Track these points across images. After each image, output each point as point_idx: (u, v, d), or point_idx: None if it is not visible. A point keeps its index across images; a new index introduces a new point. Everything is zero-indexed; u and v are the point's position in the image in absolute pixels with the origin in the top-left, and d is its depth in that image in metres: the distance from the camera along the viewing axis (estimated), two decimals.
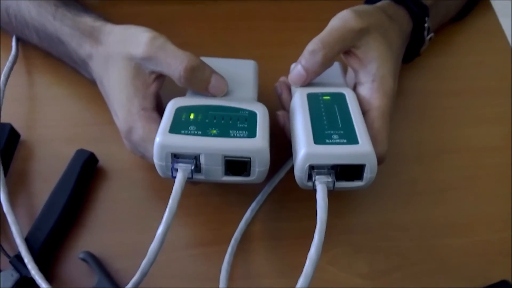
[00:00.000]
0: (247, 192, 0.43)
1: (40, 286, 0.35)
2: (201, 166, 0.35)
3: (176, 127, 0.35)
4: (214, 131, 0.35)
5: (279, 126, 0.41)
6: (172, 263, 0.39)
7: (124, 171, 0.44)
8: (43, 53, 0.49)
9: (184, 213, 0.41)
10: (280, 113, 0.41)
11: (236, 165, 0.35)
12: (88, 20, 0.44)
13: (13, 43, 0.50)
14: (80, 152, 0.43)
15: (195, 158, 0.35)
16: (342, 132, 0.36)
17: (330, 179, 0.34)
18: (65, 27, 0.44)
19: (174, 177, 0.35)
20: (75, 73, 0.47)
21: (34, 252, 0.37)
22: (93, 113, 0.47)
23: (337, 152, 0.34)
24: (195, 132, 0.35)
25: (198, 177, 0.36)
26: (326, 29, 0.40)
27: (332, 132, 0.36)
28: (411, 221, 0.43)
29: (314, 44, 0.39)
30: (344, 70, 0.46)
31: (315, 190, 0.34)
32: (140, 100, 0.39)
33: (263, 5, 0.58)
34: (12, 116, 0.45)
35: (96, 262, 0.38)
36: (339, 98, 0.39)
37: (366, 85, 0.41)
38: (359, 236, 0.42)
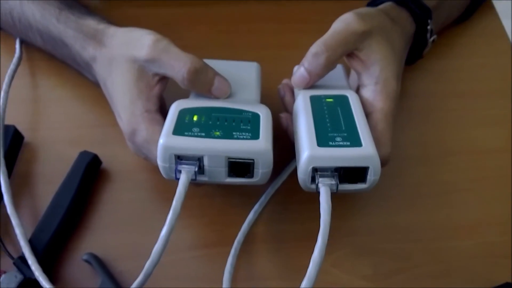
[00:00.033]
0: (250, 194, 0.43)
1: None
2: (205, 167, 0.35)
3: (180, 129, 0.35)
4: (218, 133, 0.35)
5: (282, 128, 0.41)
6: (175, 264, 0.39)
7: (127, 172, 0.44)
8: (47, 55, 0.49)
9: (188, 214, 0.41)
10: (283, 115, 0.42)
11: (240, 166, 0.35)
12: (91, 23, 0.44)
13: (17, 46, 0.50)
14: (83, 154, 0.43)
15: (199, 160, 0.35)
16: (345, 134, 0.36)
17: (333, 182, 0.34)
18: (68, 29, 0.44)
19: (178, 179, 0.35)
20: (79, 75, 0.48)
21: (38, 254, 0.37)
22: (96, 115, 0.48)
23: (341, 155, 0.34)
24: (199, 133, 0.35)
25: (202, 178, 0.36)
26: (329, 32, 0.40)
27: (335, 134, 0.36)
28: (414, 223, 0.43)
29: (317, 47, 0.40)
30: (347, 73, 0.46)
31: (318, 193, 0.34)
32: (143, 102, 0.39)
33: (266, 7, 0.58)
34: (16, 118, 0.46)
35: (99, 263, 0.38)
36: (342, 101, 0.39)
37: (369, 88, 0.41)
38: (362, 238, 0.42)
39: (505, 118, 0.51)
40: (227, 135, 0.35)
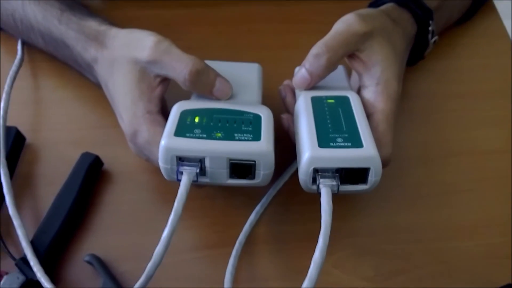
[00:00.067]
0: (252, 195, 0.43)
1: None
2: (206, 169, 0.35)
3: (181, 130, 0.35)
4: (219, 134, 0.35)
5: (284, 129, 0.41)
6: (177, 265, 0.39)
7: (129, 174, 0.44)
8: (49, 56, 0.49)
9: (189, 215, 0.41)
10: (285, 116, 0.42)
11: (241, 168, 0.35)
12: (93, 24, 0.44)
13: (19, 47, 0.51)
14: (85, 155, 0.43)
15: (200, 161, 0.35)
16: (346, 135, 0.36)
17: (334, 183, 0.34)
18: (70, 31, 0.44)
19: (179, 180, 0.35)
20: (80, 76, 0.48)
21: (39, 255, 0.37)
22: (98, 116, 0.48)
23: (342, 156, 0.34)
24: (200, 135, 0.35)
25: (203, 180, 0.36)
26: (330, 33, 0.40)
27: (336, 135, 0.36)
28: (415, 224, 0.43)
29: (318, 48, 0.40)
30: (348, 74, 0.46)
31: (319, 194, 0.34)
32: (145, 103, 0.39)
33: (267, 8, 0.58)
34: (18, 119, 0.46)
35: (101, 264, 0.38)
36: (344, 102, 0.39)
37: (370, 88, 0.41)
38: (363, 239, 0.42)
39: (506, 119, 0.51)
40: (229, 137, 0.35)
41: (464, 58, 0.56)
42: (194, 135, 0.35)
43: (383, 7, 0.46)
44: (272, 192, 0.43)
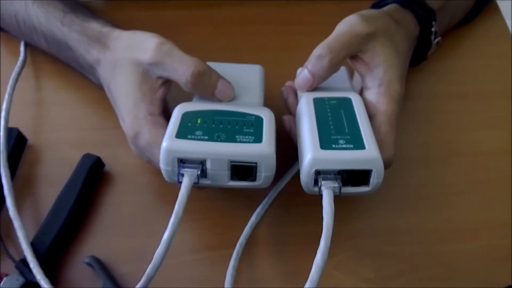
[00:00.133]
0: (253, 197, 0.43)
1: None
2: (207, 171, 0.35)
3: (183, 132, 0.35)
4: (221, 136, 0.35)
5: (285, 131, 0.41)
6: (177, 267, 0.39)
7: (130, 175, 0.44)
8: (51, 58, 0.49)
9: (190, 217, 0.41)
10: (286, 117, 0.41)
11: (242, 170, 0.35)
12: (95, 26, 0.44)
13: (22, 48, 0.51)
14: (86, 156, 0.43)
15: (201, 163, 0.35)
16: (348, 137, 0.35)
17: (336, 185, 0.34)
18: (73, 32, 0.44)
19: (180, 182, 0.35)
20: (83, 78, 0.48)
21: (39, 257, 0.37)
22: (100, 117, 0.48)
23: (344, 157, 0.34)
24: (202, 137, 0.35)
25: (204, 182, 0.36)
26: (333, 34, 0.40)
27: (338, 137, 0.35)
28: (417, 226, 0.43)
29: (320, 49, 0.39)
30: (351, 75, 0.46)
31: (321, 195, 0.34)
32: (147, 105, 0.39)
33: (269, 9, 0.58)
34: (20, 120, 0.46)
35: (101, 266, 0.38)
36: (346, 103, 0.39)
37: (372, 90, 0.41)
38: (365, 241, 0.42)
39: (507, 120, 0.51)
40: (230, 139, 0.35)
41: (466, 59, 0.56)
42: (195, 137, 0.35)
43: (385, 8, 0.46)
44: (273, 194, 0.43)
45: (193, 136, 0.35)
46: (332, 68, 0.40)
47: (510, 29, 0.59)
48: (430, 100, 0.52)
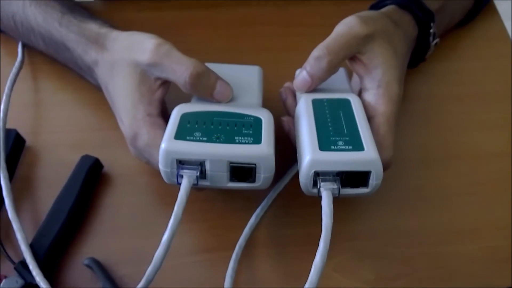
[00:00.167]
0: (252, 198, 0.43)
1: None
2: (206, 172, 0.35)
3: (182, 134, 0.35)
4: (220, 137, 0.35)
5: (284, 132, 0.41)
6: (176, 269, 0.39)
7: (129, 176, 0.44)
8: (49, 59, 0.49)
9: (189, 219, 0.41)
10: (285, 118, 0.41)
11: (241, 171, 0.35)
12: (93, 27, 0.44)
13: (19, 49, 0.51)
14: (85, 158, 0.43)
15: (200, 165, 0.35)
16: (347, 138, 0.35)
17: (335, 186, 0.34)
18: (71, 33, 0.44)
19: (179, 184, 0.35)
20: (81, 79, 0.48)
21: (38, 259, 0.37)
22: (98, 118, 0.48)
23: (343, 159, 0.34)
24: (201, 138, 0.35)
25: (203, 183, 0.36)
26: (331, 35, 0.40)
27: (337, 138, 0.35)
28: (416, 227, 0.43)
29: (319, 50, 0.39)
30: (349, 76, 0.46)
31: (320, 197, 0.34)
32: (145, 106, 0.39)
33: (267, 11, 0.58)
34: (18, 121, 0.46)
35: (100, 268, 0.38)
36: (344, 104, 0.39)
37: (371, 91, 0.41)
38: (364, 243, 0.42)
39: (506, 121, 0.51)
40: (229, 140, 0.35)
41: (465, 60, 0.56)
42: (194, 138, 0.35)
43: (384, 9, 0.46)
44: (272, 195, 0.43)
45: (192, 137, 0.35)
46: (331, 70, 0.40)
47: (508, 30, 0.59)
48: (429, 102, 0.52)
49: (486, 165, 0.48)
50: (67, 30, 0.44)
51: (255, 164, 0.35)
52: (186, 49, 0.39)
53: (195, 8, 0.57)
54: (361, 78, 0.42)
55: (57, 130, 0.47)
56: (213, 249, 0.41)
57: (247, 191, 0.38)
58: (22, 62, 0.50)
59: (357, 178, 0.35)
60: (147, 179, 0.44)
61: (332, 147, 0.35)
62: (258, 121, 0.37)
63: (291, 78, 0.43)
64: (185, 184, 0.34)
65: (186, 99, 0.40)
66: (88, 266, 0.38)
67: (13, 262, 0.38)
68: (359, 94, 0.42)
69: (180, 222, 0.33)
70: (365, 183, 0.35)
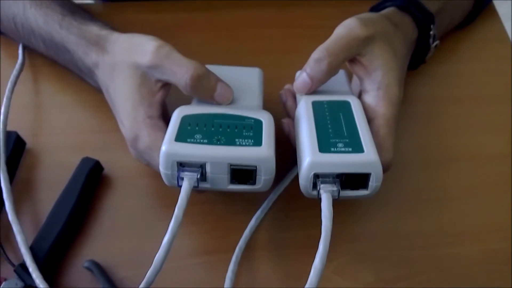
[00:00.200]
0: (252, 200, 0.43)
1: None
2: (207, 174, 0.35)
3: (182, 136, 0.35)
4: (220, 140, 0.35)
5: (284, 134, 0.41)
6: (177, 271, 0.39)
7: (129, 179, 0.44)
8: (50, 61, 0.49)
9: (189, 221, 0.41)
10: (285, 120, 0.41)
11: (242, 173, 0.35)
12: (94, 29, 0.44)
13: (20, 51, 0.51)
14: (85, 160, 0.43)
15: (201, 167, 0.35)
16: (347, 140, 0.35)
17: (335, 188, 0.34)
18: (71, 35, 0.44)
19: (180, 186, 0.35)
20: (81, 81, 0.48)
21: (38, 261, 0.37)
22: (98, 121, 0.48)
23: (342, 161, 0.34)
24: (201, 140, 0.35)
25: (204, 185, 0.36)
26: (331, 37, 0.40)
27: (337, 140, 0.35)
28: (416, 230, 0.43)
29: (319, 52, 0.39)
30: (349, 78, 0.46)
31: (320, 199, 0.34)
32: (146, 108, 0.39)
33: (268, 13, 0.58)
34: (18, 124, 0.46)
35: (100, 271, 0.38)
36: (344, 106, 0.39)
37: (371, 93, 0.41)
38: (364, 245, 0.42)
39: (506, 123, 0.51)
40: (230, 142, 0.35)
41: (465, 62, 0.56)
42: (195, 141, 0.35)
43: (384, 11, 0.46)
44: (272, 197, 0.43)
45: (192, 140, 0.35)
46: (331, 72, 0.40)
47: (508, 32, 0.59)
48: (429, 103, 0.52)
49: (486, 167, 0.48)
50: (68, 32, 0.44)
51: (256, 166, 0.35)
52: (186, 51, 0.39)
53: (195, 10, 0.57)
54: (361, 80, 0.42)
55: (58, 132, 0.47)
56: (213, 251, 0.41)
57: (248, 193, 0.38)
58: (22, 64, 0.50)
59: (357, 180, 0.35)
60: (148, 181, 0.44)
61: (332, 149, 0.35)
62: (258, 123, 0.37)
63: (291, 80, 0.43)
64: (185, 186, 0.34)
65: (187, 101, 0.40)
66: (88, 268, 0.38)
67: (13, 265, 0.38)
68: (359, 96, 0.42)
69: (181, 224, 0.33)
70: (365, 185, 0.35)
